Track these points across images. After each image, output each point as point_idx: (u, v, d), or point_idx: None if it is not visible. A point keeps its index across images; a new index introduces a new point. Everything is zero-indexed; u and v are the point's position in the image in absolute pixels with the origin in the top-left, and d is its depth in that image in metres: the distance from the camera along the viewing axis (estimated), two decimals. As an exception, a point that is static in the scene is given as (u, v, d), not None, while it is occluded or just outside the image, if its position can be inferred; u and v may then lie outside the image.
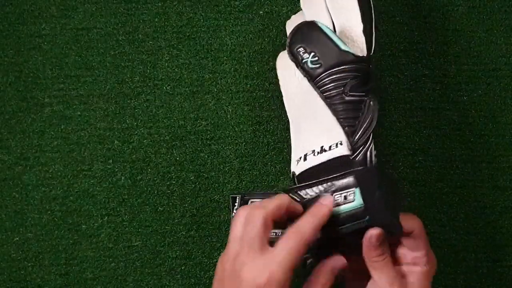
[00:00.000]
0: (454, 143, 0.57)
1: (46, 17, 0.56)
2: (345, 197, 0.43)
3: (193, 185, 0.55)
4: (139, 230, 0.54)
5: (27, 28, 0.56)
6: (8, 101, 0.55)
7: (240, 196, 0.48)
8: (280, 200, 0.41)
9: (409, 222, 0.43)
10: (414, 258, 0.43)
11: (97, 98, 0.55)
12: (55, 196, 0.54)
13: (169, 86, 0.56)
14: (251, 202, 0.47)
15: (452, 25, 0.58)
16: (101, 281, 0.53)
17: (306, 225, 0.40)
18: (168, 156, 0.55)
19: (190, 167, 0.55)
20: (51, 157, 0.54)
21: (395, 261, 0.44)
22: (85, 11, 0.56)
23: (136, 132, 0.55)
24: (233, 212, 0.47)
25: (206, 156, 0.55)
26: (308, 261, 0.46)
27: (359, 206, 0.43)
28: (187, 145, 0.55)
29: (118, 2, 0.56)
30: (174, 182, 0.55)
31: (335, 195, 0.43)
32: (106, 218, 0.54)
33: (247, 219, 0.40)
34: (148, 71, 0.56)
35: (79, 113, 0.55)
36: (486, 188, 0.57)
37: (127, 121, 0.55)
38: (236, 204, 0.48)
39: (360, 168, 0.44)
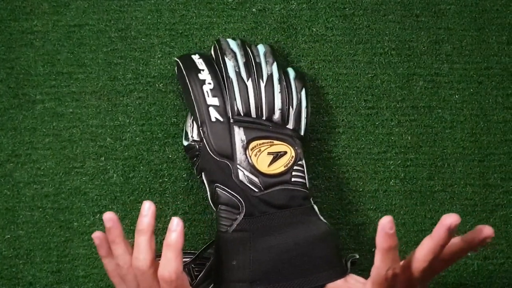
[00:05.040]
0: (445, 141, 0.57)
1: (38, 14, 0.56)
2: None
3: (186, 183, 0.55)
4: (131, 227, 0.54)
5: (19, 25, 0.55)
6: None
7: None
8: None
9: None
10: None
11: (89, 95, 0.55)
12: (46, 193, 0.54)
13: (161, 84, 0.56)
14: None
15: (444, 23, 0.58)
16: (93, 278, 0.53)
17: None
18: (161, 154, 0.55)
19: (183, 164, 0.55)
20: (43, 154, 0.54)
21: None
22: (77, 7, 0.56)
23: (129, 129, 0.55)
24: None
25: (199, 154, 0.55)
26: None
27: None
28: (180, 142, 0.55)
29: (111, -1, 0.56)
30: (166, 179, 0.55)
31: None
32: (98, 215, 0.54)
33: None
34: (141, 68, 0.56)
35: (71, 110, 0.55)
36: (477, 186, 0.57)
37: (120, 118, 0.55)
38: None
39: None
